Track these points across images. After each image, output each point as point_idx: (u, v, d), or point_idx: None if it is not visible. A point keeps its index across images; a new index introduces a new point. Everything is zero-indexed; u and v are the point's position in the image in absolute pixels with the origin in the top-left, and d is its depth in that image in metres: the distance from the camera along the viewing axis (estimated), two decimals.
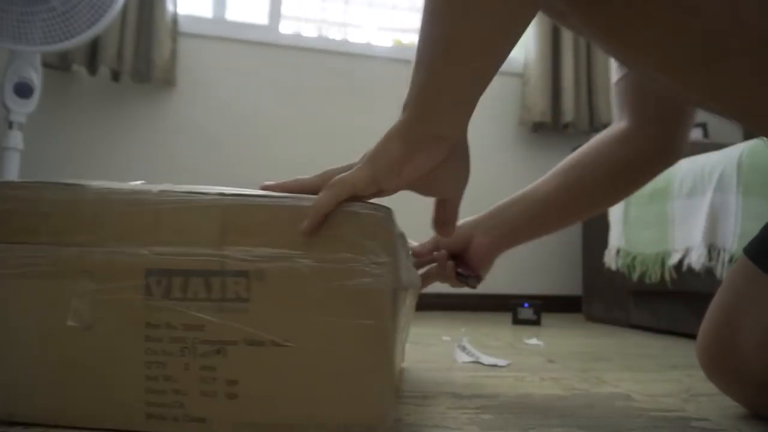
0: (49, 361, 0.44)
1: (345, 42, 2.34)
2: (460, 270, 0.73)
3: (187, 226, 0.44)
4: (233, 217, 0.44)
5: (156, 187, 0.46)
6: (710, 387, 0.63)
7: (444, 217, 0.54)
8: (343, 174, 0.47)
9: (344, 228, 0.44)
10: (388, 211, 0.46)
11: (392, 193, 0.49)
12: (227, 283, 0.43)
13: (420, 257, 0.75)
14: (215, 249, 0.44)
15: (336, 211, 0.44)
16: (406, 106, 0.50)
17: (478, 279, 0.75)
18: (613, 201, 0.79)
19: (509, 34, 0.46)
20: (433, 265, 0.75)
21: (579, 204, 0.75)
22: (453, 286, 0.75)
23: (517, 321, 1.70)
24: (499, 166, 2.40)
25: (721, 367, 0.59)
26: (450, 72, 0.47)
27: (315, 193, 0.46)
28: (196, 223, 0.44)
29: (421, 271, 0.76)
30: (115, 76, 2.05)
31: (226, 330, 0.43)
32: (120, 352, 0.44)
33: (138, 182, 0.48)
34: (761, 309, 0.56)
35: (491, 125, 2.40)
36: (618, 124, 0.73)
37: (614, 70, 0.73)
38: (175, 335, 0.43)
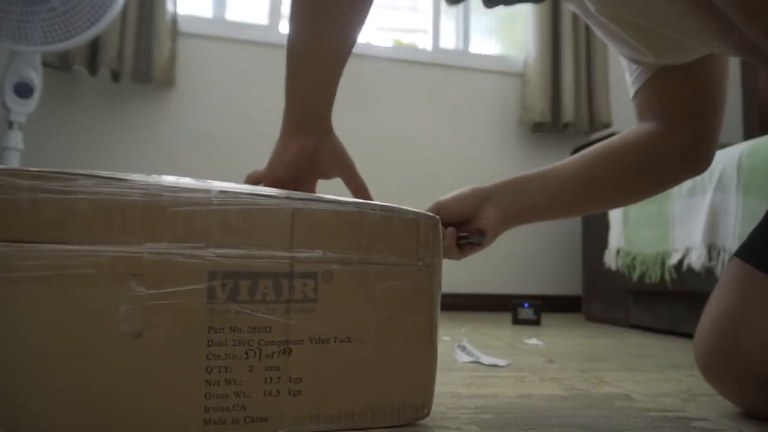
0: (87, 376, 0.39)
1: None
2: (461, 234, 0.67)
3: (255, 228, 0.43)
4: (301, 220, 0.45)
5: (214, 186, 0.44)
6: (710, 387, 0.63)
7: (356, 186, 0.64)
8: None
9: (403, 233, 0.49)
10: (437, 219, 0.51)
11: (289, 178, 0.63)
12: (295, 284, 0.44)
13: None
14: (285, 251, 0.44)
15: (396, 219, 0.49)
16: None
17: (482, 234, 0.67)
18: (635, 197, 0.76)
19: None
20: None
21: (600, 194, 0.73)
22: (452, 257, 0.68)
23: (517, 321, 1.70)
24: (499, 166, 2.40)
25: (722, 368, 0.59)
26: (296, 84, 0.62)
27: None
28: (264, 226, 0.44)
29: None
30: (116, 76, 2.05)
31: (292, 330, 0.44)
32: (176, 359, 0.41)
33: (187, 179, 0.46)
34: (764, 310, 0.56)
35: (491, 125, 2.41)
36: (645, 125, 0.72)
37: (630, 83, 0.73)
38: (240, 338, 0.43)
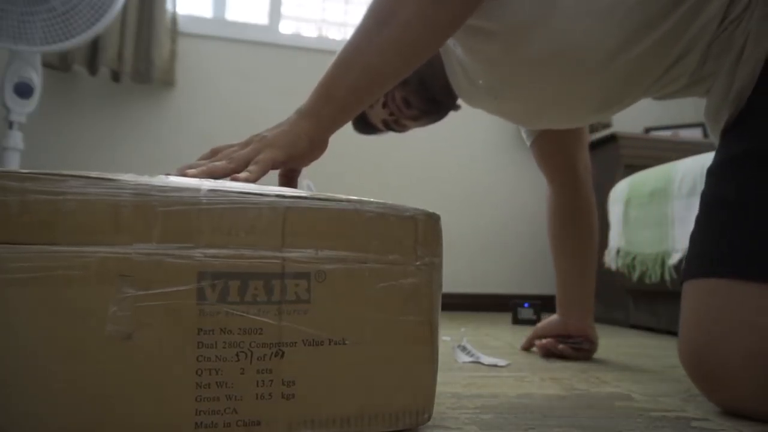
0: (77, 377, 0.39)
1: (344, 42, 2.34)
2: (570, 342, 0.98)
3: (245, 227, 0.42)
4: (294, 218, 0.44)
5: (204, 185, 0.43)
6: None
7: (290, 178, 0.69)
8: (265, 154, 0.60)
9: (400, 231, 0.47)
10: (437, 216, 0.50)
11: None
12: (287, 285, 0.43)
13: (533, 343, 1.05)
14: (276, 251, 0.43)
15: (392, 216, 0.47)
16: (312, 113, 0.65)
17: (587, 340, 0.99)
18: (588, 240, 1.05)
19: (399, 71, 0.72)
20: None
21: (577, 254, 1.05)
22: (573, 356, 0.97)
23: (517, 321, 1.70)
24: (499, 165, 2.40)
25: (706, 370, 0.59)
26: (350, 97, 0.68)
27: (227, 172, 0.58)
28: (254, 225, 0.43)
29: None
30: (115, 76, 2.05)
31: (285, 332, 0.43)
32: (166, 361, 0.40)
33: (178, 178, 0.45)
34: (734, 315, 0.56)
35: (491, 125, 2.41)
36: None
37: (524, 138, 1.05)
38: (230, 340, 0.42)
